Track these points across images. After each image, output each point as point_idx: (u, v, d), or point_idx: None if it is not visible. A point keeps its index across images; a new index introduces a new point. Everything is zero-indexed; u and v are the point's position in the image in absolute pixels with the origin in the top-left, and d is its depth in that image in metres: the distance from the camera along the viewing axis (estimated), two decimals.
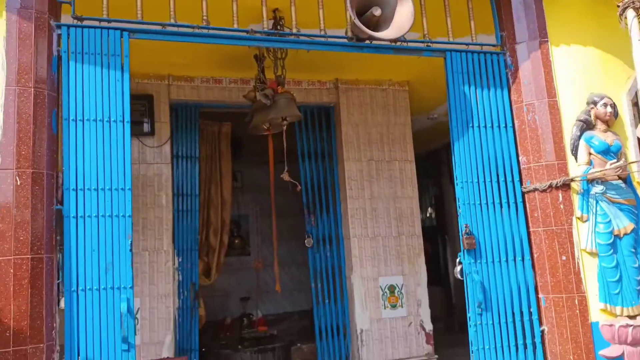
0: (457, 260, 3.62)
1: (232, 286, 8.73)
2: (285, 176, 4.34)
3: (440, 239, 9.23)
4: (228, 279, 8.63)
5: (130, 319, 3.05)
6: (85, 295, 3.00)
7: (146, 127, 5.20)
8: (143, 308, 5.01)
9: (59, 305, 3.03)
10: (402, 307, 5.65)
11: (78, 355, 2.95)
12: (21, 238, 2.85)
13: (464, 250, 3.56)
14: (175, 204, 5.36)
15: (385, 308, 5.60)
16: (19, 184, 2.90)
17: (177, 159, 5.46)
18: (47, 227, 2.97)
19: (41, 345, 2.84)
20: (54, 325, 2.95)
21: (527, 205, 3.66)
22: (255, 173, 8.90)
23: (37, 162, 2.96)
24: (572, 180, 3.54)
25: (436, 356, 5.65)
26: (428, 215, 9.83)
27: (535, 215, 3.60)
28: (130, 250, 3.11)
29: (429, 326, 5.70)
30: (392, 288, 5.66)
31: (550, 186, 3.54)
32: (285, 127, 4.41)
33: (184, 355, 5.09)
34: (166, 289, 5.10)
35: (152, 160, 5.23)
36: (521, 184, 3.69)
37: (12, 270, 2.82)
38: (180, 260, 5.32)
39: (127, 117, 3.19)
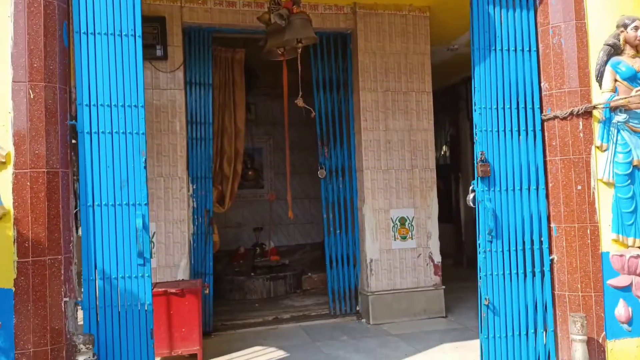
0: (470, 188, 3.59)
1: (246, 218, 8.91)
2: (300, 102, 4.25)
3: (453, 177, 9.20)
4: (242, 211, 8.80)
5: (145, 235, 3.11)
6: (101, 210, 3.06)
7: (159, 52, 5.10)
8: (159, 232, 5.13)
9: (77, 232, 3.09)
10: (412, 239, 5.71)
11: (95, 268, 3.05)
12: (36, 152, 2.88)
13: (477, 178, 3.52)
14: (189, 132, 5.36)
15: (395, 239, 5.67)
16: (32, 97, 2.88)
17: (191, 86, 5.40)
18: (62, 142, 2.98)
19: (59, 256, 2.93)
20: (71, 238, 3.02)
21: (546, 134, 3.57)
22: (268, 106, 8.84)
23: (49, 76, 2.93)
24: (594, 107, 3.42)
25: (443, 287, 5.75)
26: (442, 153, 9.75)
27: (554, 143, 3.52)
28: (145, 167, 3.13)
29: (437, 258, 5.78)
30: (402, 220, 5.71)
31: (571, 113, 3.43)
32: (300, 51, 4.27)
33: (198, 278, 5.24)
34: (181, 215, 5.20)
35: (165, 86, 5.18)
36: (541, 111, 3.58)
37: (28, 183, 2.86)
38: (194, 187, 5.38)
39: (139, 32, 3.13)
